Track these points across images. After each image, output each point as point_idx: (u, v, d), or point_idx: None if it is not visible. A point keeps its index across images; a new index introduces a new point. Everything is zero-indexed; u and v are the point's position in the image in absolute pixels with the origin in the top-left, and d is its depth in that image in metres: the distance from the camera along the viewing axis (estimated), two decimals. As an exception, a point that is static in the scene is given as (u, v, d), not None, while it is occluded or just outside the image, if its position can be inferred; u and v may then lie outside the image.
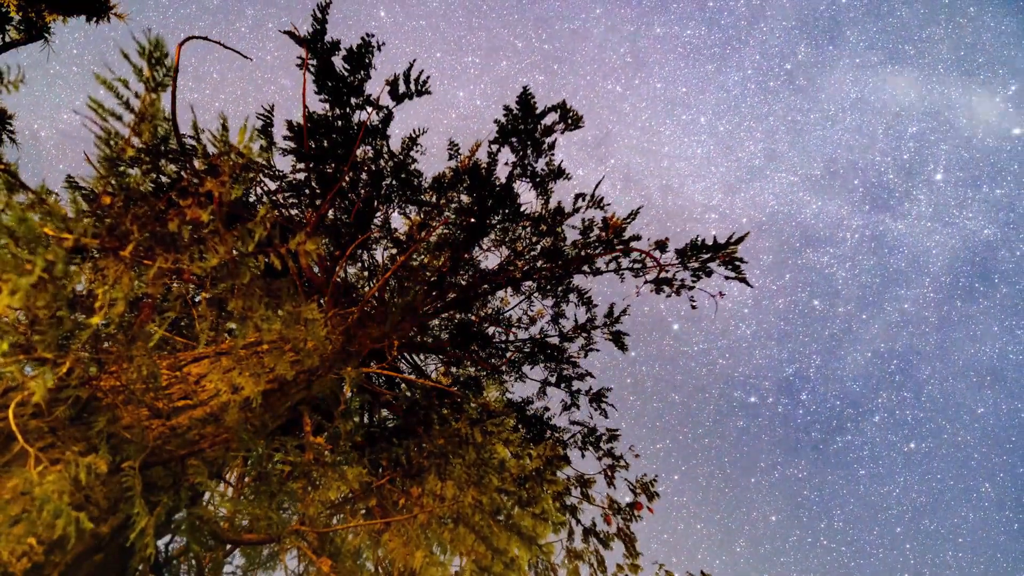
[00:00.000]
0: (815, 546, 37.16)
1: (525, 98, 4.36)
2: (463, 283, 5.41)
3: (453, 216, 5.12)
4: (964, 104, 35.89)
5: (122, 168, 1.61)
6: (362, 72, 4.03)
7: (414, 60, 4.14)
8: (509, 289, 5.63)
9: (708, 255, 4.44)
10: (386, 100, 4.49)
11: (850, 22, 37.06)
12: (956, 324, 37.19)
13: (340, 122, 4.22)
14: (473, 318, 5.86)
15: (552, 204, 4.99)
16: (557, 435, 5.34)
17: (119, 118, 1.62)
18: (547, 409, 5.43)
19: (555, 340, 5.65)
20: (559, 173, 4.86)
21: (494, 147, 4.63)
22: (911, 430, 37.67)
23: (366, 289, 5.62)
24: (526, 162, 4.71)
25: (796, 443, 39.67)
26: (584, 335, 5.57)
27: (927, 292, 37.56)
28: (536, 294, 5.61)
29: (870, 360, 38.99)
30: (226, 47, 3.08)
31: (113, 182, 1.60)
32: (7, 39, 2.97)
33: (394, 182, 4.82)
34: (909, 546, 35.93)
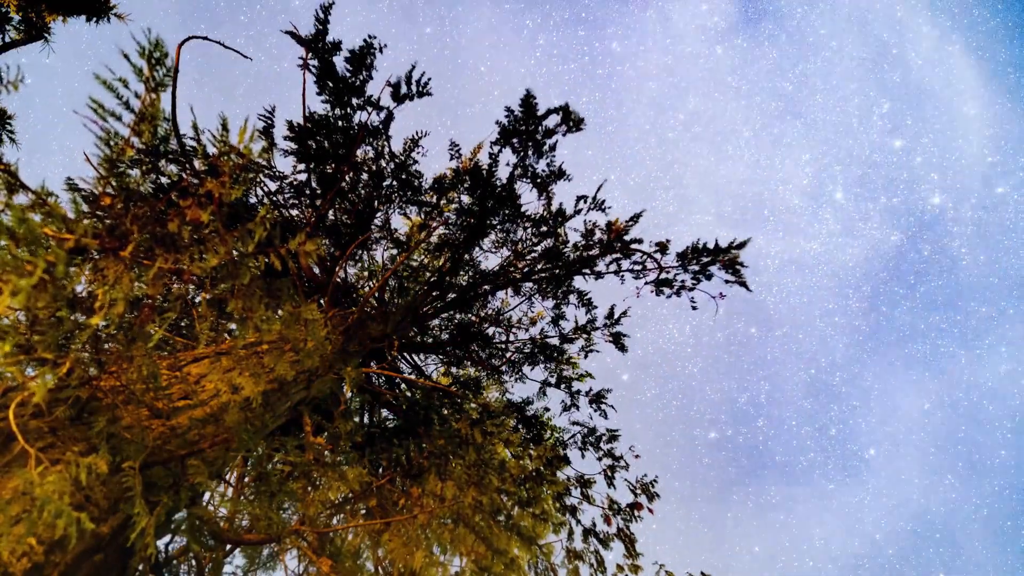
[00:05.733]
0: (803, 568, 38.01)
1: (527, 100, 4.36)
2: (463, 283, 5.41)
3: (454, 217, 5.12)
4: (846, 126, 39.45)
5: (122, 169, 1.62)
6: (363, 73, 4.03)
7: (416, 62, 4.15)
8: (509, 290, 5.63)
9: (709, 259, 4.44)
10: (387, 101, 4.49)
11: (729, 70, 41.10)
12: (885, 328, 39.67)
13: (341, 123, 4.23)
14: (473, 318, 5.86)
15: (553, 206, 4.99)
16: (557, 435, 5.34)
17: (119, 118, 1.62)
18: (547, 409, 5.43)
19: (555, 341, 5.65)
20: (560, 174, 4.86)
21: (495, 148, 4.63)
22: (867, 437, 39.47)
23: (366, 289, 5.62)
24: (527, 163, 4.71)
25: (763, 470, 41.11)
26: (584, 336, 5.56)
27: (852, 302, 40.21)
28: (536, 295, 5.61)
29: (815, 376, 41.12)
30: (226, 47, 3.08)
31: (113, 183, 1.60)
32: (7, 39, 2.98)
33: (394, 183, 4.83)
34: (891, 551, 36.71)
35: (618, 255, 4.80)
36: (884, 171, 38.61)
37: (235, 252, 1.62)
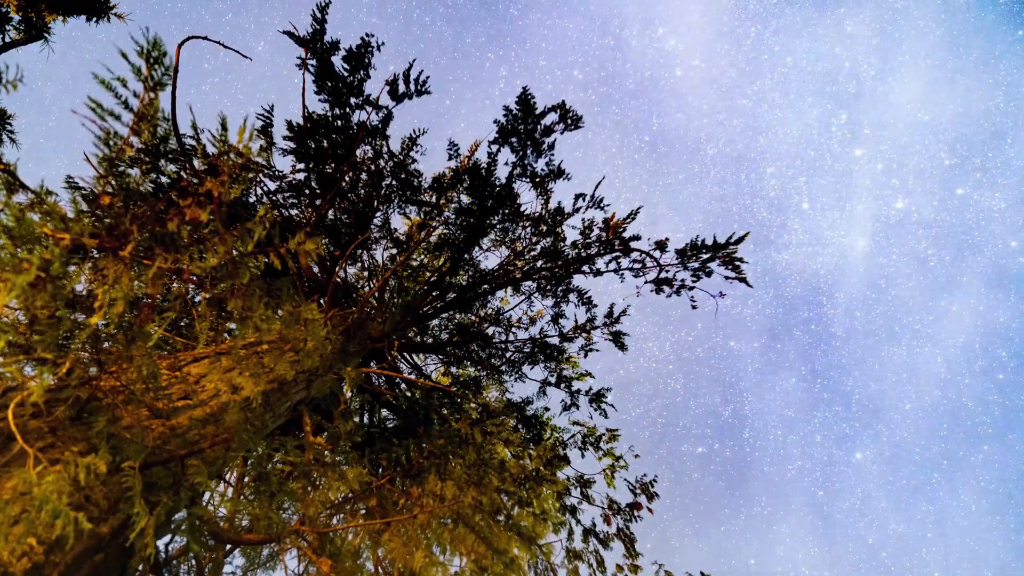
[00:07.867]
0: (800, 577, 37.98)
1: (525, 98, 4.36)
2: (463, 283, 5.41)
3: (453, 216, 5.12)
4: (807, 138, 40.58)
5: (121, 168, 1.61)
6: (362, 72, 4.02)
7: (413, 60, 4.14)
8: (509, 289, 5.63)
9: (708, 255, 4.44)
10: (386, 100, 4.48)
11: (690, 90, 42.34)
12: (861, 332, 40.18)
13: (340, 122, 4.22)
14: (473, 318, 5.85)
15: (552, 204, 4.99)
16: (557, 435, 5.34)
17: (118, 118, 1.61)
18: (547, 409, 5.43)
19: (555, 340, 5.65)
20: (559, 173, 4.86)
21: (494, 147, 4.63)
22: (852, 441, 39.78)
23: (366, 289, 5.62)
24: (526, 162, 4.71)
25: (752, 481, 41.36)
26: (584, 335, 5.56)
27: (827, 310, 40.84)
28: (536, 294, 5.61)
29: (796, 385, 41.61)
30: (226, 47, 3.08)
31: (113, 182, 1.60)
32: (7, 39, 2.97)
33: (394, 182, 4.82)
34: (885, 554, 37.12)
35: (617, 253, 4.80)
36: (847, 179, 39.75)
37: (234, 251, 1.62)
